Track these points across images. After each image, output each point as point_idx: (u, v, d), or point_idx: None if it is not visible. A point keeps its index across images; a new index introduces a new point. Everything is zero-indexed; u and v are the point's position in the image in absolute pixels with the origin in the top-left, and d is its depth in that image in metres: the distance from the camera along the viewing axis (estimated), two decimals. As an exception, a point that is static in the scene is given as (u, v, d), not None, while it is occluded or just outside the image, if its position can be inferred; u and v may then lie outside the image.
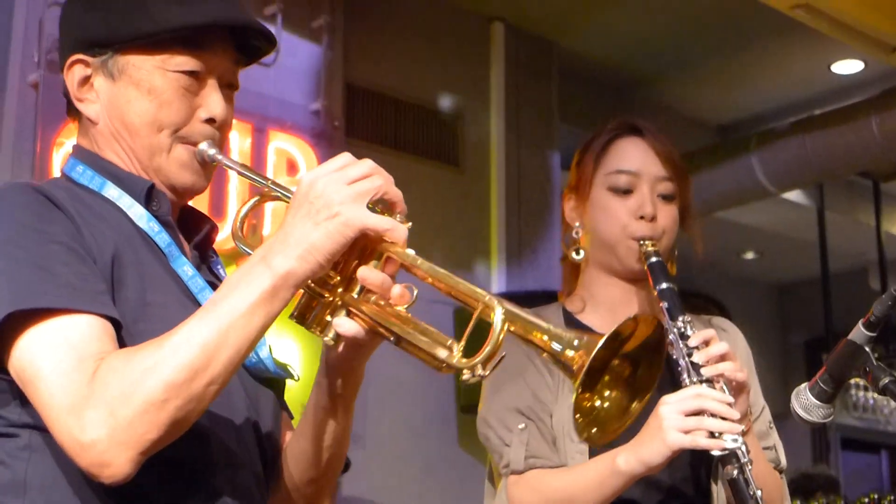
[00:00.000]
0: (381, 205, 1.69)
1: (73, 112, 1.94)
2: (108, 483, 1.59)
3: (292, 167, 5.55)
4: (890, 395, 2.11)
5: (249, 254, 1.80)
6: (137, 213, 1.86)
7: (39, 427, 1.70)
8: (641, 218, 2.56)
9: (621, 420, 1.75)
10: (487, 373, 1.64)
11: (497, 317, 1.62)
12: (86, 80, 1.89)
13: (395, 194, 1.70)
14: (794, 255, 9.46)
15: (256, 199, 1.95)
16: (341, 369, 1.85)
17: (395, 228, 1.67)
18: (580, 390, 1.66)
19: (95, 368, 1.59)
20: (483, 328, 1.72)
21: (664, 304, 2.46)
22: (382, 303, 1.72)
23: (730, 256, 9.61)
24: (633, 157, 2.62)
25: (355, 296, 1.72)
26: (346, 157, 1.69)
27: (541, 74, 6.84)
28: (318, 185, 1.65)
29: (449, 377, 6.15)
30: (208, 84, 1.90)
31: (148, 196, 1.87)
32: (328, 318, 1.74)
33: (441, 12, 6.55)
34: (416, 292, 1.73)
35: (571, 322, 2.60)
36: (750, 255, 9.84)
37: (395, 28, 6.35)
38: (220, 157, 1.90)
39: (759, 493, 2.25)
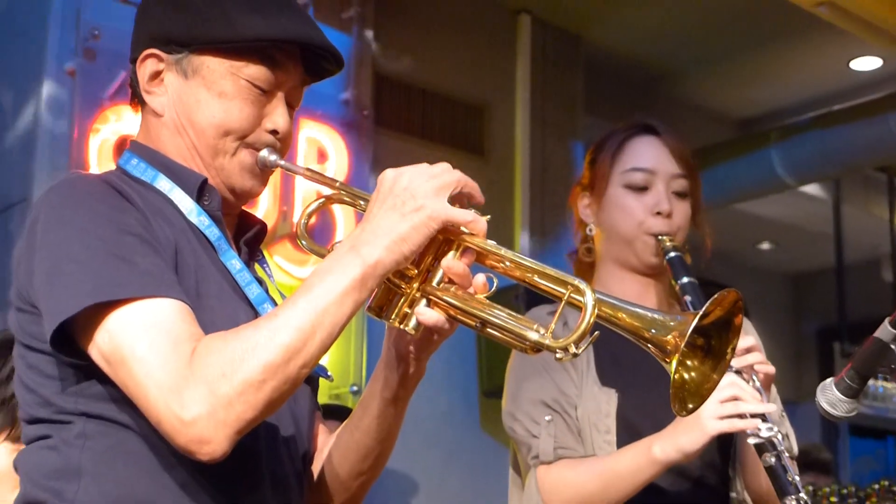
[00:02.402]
0: (457, 200, 1.72)
1: (134, 101, 1.96)
2: (206, 460, 1.60)
3: (322, 155, 5.54)
4: (917, 392, 2.06)
5: (311, 251, 1.90)
6: (188, 206, 1.86)
7: (92, 414, 1.73)
8: (658, 214, 2.58)
9: (707, 386, 1.75)
10: (580, 351, 1.66)
11: (588, 299, 1.65)
12: (157, 75, 1.89)
13: (473, 186, 1.72)
14: (809, 246, 9.43)
15: (322, 200, 1.95)
16: (410, 361, 1.87)
17: (476, 220, 1.71)
18: (677, 369, 1.69)
19: (193, 349, 1.61)
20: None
21: (688, 298, 2.48)
22: (461, 292, 1.74)
23: (746, 246, 9.58)
24: (649, 155, 2.63)
25: (435, 286, 1.74)
26: (422, 165, 1.72)
27: (566, 66, 6.82)
28: (402, 180, 1.69)
29: (471, 363, 6.19)
30: (276, 97, 1.91)
31: (200, 190, 1.87)
32: (407, 309, 1.76)
33: (469, 4, 6.53)
34: (496, 282, 1.77)
35: None
36: (766, 246, 9.81)
37: (424, 19, 6.33)
38: (282, 162, 1.91)
39: (797, 478, 2.27)
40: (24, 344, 1.78)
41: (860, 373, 2.18)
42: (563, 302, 1.69)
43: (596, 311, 1.65)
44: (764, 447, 2.29)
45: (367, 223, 1.69)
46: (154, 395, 1.59)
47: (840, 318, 8.63)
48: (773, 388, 2.44)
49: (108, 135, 4.98)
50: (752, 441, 2.30)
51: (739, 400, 2.28)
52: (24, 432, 1.82)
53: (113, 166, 2.01)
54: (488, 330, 1.75)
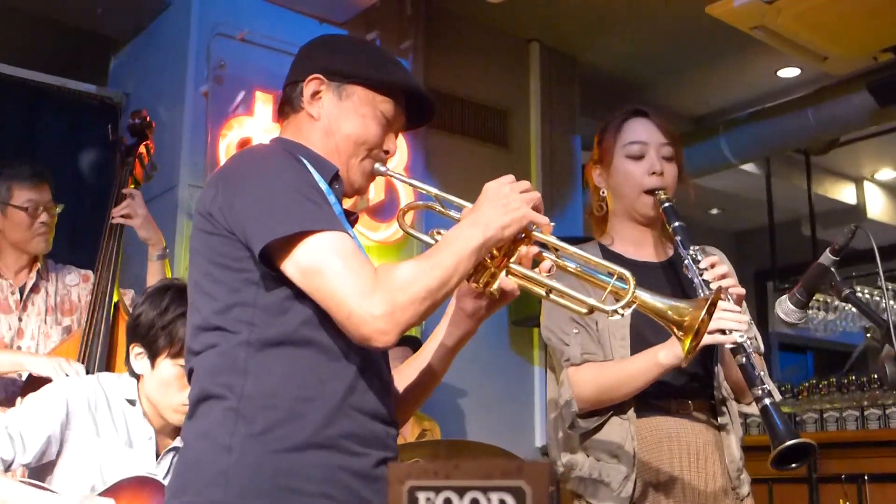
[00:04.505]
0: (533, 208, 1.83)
1: (283, 111, 2.01)
2: (381, 347, 1.67)
3: (388, 149, 5.52)
4: (850, 302, 2.09)
5: (411, 234, 1.98)
6: (323, 187, 1.87)
7: (257, 324, 1.74)
8: (653, 174, 2.53)
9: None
10: (626, 314, 1.79)
11: (632, 281, 1.79)
12: (317, 93, 1.95)
13: (541, 201, 1.83)
14: (747, 210, 9.35)
15: (418, 203, 2.07)
16: (472, 321, 1.97)
17: (549, 223, 1.82)
18: (689, 341, 1.83)
19: (374, 269, 1.68)
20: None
21: (678, 238, 2.47)
22: (529, 270, 1.85)
23: (700, 212, 9.50)
24: (642, 131, 2.59)
25: (512, 263, 1.84)
26: (512, 177, 1.84)
27: (566, 81, 6.79)
28: (503, 190, 1.79)
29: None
30: (392, 129, 1.98)
31: (333, 177, 1.90)
32: (489, 278, 1.85)
33: (494, 36, 6.50)
34: (554, 267, 1.87)
35: (607, 251, 2.61)
36: (715, 211, 9.74)
37: (462, 48, 6.32)
38: (390, 172, 1.99)
39: (762, 373, 2.24)
40: (215, 262, 1.79)
41: (807, 289, 2.20)
42: (611, 283, 1.82)
43: (634, 290, 1.78)
44: (737, 350, 2.27)
45: (480, 212, 1.78)
46: (351, 296, 1.64)
47: (772, 264, 8.56)
48: (744, 303, 2.42)
49: (232, 139, 5.03)
50: (728, 346, 2.29)
51: (721, 318, 2.25)
52: (199, 339, 1.81)
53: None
54: (552, 296, 1.86)
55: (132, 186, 3.84)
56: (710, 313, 1.84)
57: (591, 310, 1.79)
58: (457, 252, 1.71)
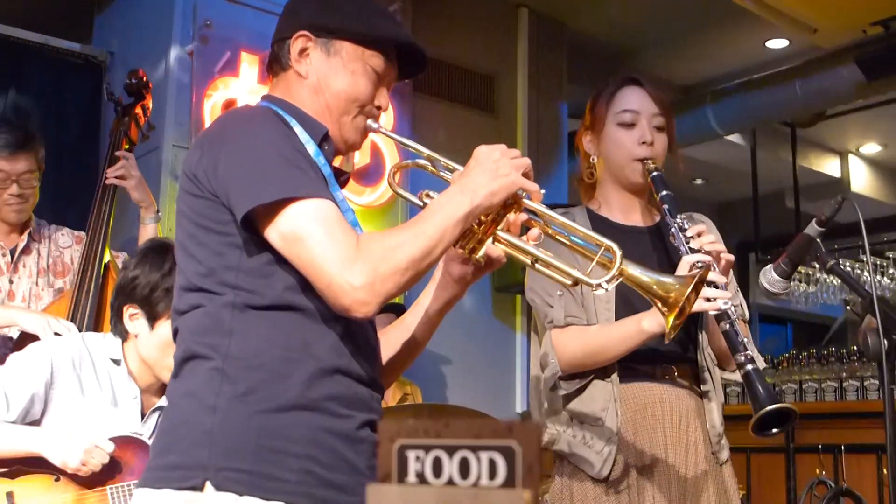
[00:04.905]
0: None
1: (273, 69, 1.98)
2: (361, 317, 1.66)
3: (375, 112, 5.49)
4: (835, 273, 2.09)
5: (400, 194, 1.96)
6: (311, 148, 1.85)
7: (241, 287, 1.73)
8: (643, 143, 2.53)
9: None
10: (611, 288, 1.77)
11: (618, 254, 1.77)
12: (304, 50, 1.91)
13: (531, 168, 1.81)
14: (731, 181, 9.36)
15: (407, 162, 2.03)
16: (459, 285, 1.96)
17: (539, 190, 1.80)
18: (673, 317, 1.83)
19: (357, 238, 1.65)
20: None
21: (665, 206, 2.48)
22: (517, 238, 1.84)
23: (684, 182, 9.47)
24: (635, 99, 2.58)
25: (499, 231, 1.83)
26: (504, 146, 1.80)
27: (554, 47, 6.74)
28: (494, 154, 1.77)
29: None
30: (384, 84, 1.94)
31: (323, 138, 1.88)
32: (476, 244, 1.84)
33: (482, 1, 6.46)
34: (542, 235, 1.87)
35: (594, 215, 2.61)
36: (699, 181, 9.74)
37: (450, 12, 6.27)
38: (384, 130, 1.96)
39: (745, 339, 2.25)
40: (199, 225, 1.78)
41: (792, 260, 2.20)
42: (598, 255, 1.81)
43: (622, 262, 1.77)
44: (721, 317, 2.28)
45: (468, 178, 1.75)
46: (330, 265, 1.63)
47: (755, 235, 8.59)
48: (730, 270, 2.42)
49: (217, 99, 4.99)
50: (712, 313, 2.30)
51: (705, 287, 2.24)
52: (184, 299, 1.80)
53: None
54: (538, 266, 1.85)
55: (125, 147, 3.81)
56: (696, 290, 1.84)
57: (577, 282, 1.79)
58: (443, 221, 1.69)
